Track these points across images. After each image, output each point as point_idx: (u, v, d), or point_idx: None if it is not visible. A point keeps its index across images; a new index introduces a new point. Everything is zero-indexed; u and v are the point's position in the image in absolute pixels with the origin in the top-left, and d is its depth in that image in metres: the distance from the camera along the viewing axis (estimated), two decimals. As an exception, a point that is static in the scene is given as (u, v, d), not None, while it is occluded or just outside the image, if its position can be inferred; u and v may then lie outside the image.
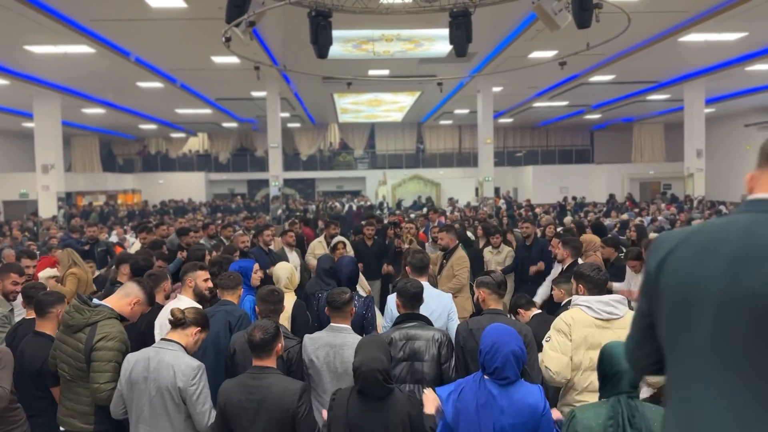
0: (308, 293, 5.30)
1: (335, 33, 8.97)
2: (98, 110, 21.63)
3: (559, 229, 9.41)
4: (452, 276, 6.46)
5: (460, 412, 2.82)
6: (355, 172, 32.05)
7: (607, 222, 13.07)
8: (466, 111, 25.12)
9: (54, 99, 18.04)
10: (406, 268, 4.86)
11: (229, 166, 32.29)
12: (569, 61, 12.16)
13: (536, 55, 14.41)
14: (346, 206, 23.54)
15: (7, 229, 16.10)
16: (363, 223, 9.02)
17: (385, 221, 11.53)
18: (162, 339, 3.33)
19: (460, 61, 13.50)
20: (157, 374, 3.14)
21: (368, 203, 24.47)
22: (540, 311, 4.86)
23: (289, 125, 29.54)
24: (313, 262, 7.60)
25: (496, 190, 23.92)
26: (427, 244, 8.70)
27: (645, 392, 3.54)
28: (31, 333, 3.88)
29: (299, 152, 32.02)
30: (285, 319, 4.33)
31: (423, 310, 3.98)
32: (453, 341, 3.72)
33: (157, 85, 17.32)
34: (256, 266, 5.10)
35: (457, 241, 6.92)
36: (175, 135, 31.82)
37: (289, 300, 4.54)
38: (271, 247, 7.79)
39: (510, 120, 28.71)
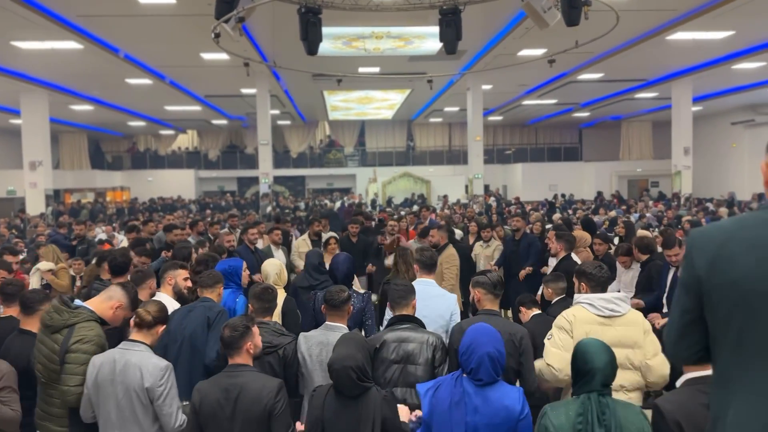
0: (296, 287, 5.29)
1: (325, 30, 8.97)
2: (86, 107, 21.48)
3: (547, 226, 9.48)
4: (441, 273, 6.49)
5: (434, 409, 2.81)
6: (346, 170, 32.04)
7: (595, 219, 13.14)
8: (456, 109, 25.17)
9: (41, 95, 17.90)
10: (415, 265, 4.80)
11: (219, 163, 32.17)
12: (558, 59, 12.23)
13: (525, 52, 14.46)
14: (338, 203, 23.56)
15: (-6, 227, 15.96)
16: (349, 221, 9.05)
17: (375, 219, 11.57)
18: (127, 340, 3.25)
19: (450, 58, 13.51)
20: (123, 376, 3.08)
21: (358, 201, 24.47)
22: (540, 312, 4.87)
23: (279, 122, 29.47)
24: (298, 261, 7.58)
25: (486, 188, 24.01)
26: (413, 241, 8.74)
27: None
28: (16, 331, 3.81)
29: (289, 150, 31.97)
30: (275, 315, 4.32)
31: (427, 309, 3.95)
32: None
33: (145, 81, 17.23)
34: (245, 265, 5.07)
35: (447, 240, 6.96)
36: (164, 132, 31.66)
37: (279, 296, 4.51)
38: (258, 245, 7.79)
39: (499, 118, 28.80)
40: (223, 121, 28.43)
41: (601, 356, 2.58)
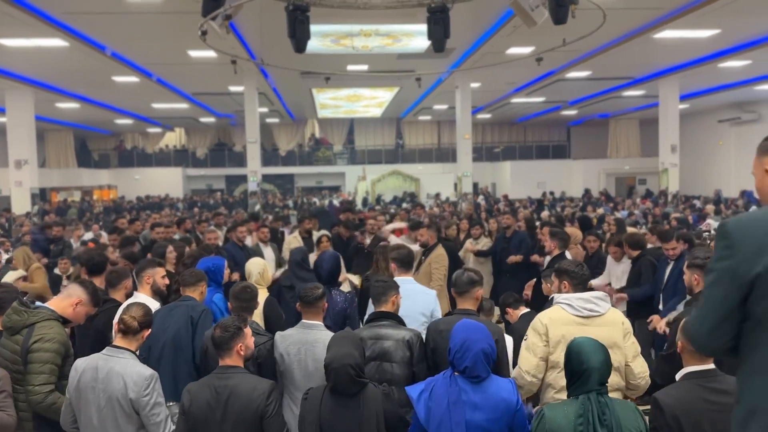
0: (281, 286, 5.27)
1: (313, 27, 8.94)
2: (73, 105, 21.30)
3: (537, 223, 9.53)
4: (429, 273, 6.50)
5: (431, 411, 2.76)
6: (335, 168, 31.99)
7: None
8: (444, 107, 25.20)
9: (27, 93, 17.72)
10: (392, 263, 4.79)
11: (207, 161, 32.01)
12: (546, 58, 12.30)
13: (513, 51, 14.49)
14: (327, 201, 23.56)
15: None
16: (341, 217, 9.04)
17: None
18: (111, 346, 3.16)
19: (439, 56, 13.53)
20: (106, 384, 3.01)
21: (351, 198, 24.47)
22: (528, 310, 4.86)
23: (268, 120, 29.38)
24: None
25: (475, 186, 24.07)
26: (404, 236, 8.75)
27: None
28: None
29: (278, 148, 31.87)
30: (257, 315, 4.26)
31: (407, 307, 3.92)
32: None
33: (132, 79, 17.11)
34: (227, 263, 5.04)
35: (437, 239, 6.97)
36: (151, 130, 31.46)
37: (261, 296, 4.47)
38: (247, 242, 7.77)
39: (488, 116, 28.85)
40: (211, 119, 28.29)
41: (597, 355, 2.56)
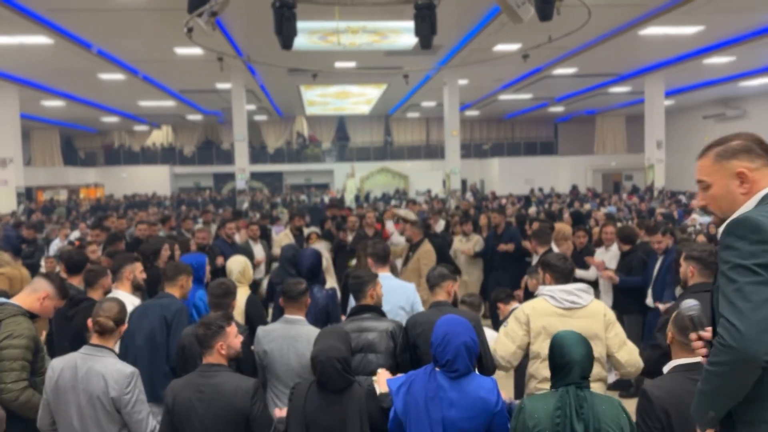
0: (272, 283, 5.28)
1: (300, 24, 8.93)
2: (58, 103, 21.14)
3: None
4: (418, 269, 6.53)
5: (409, 405, 2.75)
6: (323, 165, 31.94)
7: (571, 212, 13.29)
8: (433, 103, 25.24)
9: (11, 91, 17.57)
10: (368, 259, 4.82)
11: (195, 159, 31.86)
12: (533, 54, 12.33)
13: (500, 48, 14.55)
14: (319, 198, 23.63)
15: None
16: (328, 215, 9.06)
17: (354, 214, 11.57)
18: (88, 345, 3.08)
19: (426, 53, 13.57)
20: (86, 383, 2.95)
21: (335, 196, 24.48)
22: (518, 305, 4.91)
23: (256, 118, 29.28)
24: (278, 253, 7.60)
25: (463, 182, 24.14)
26: (395, 233, 8.79)
27: (612, 377, 3.56)
28: None
29: (266, 145, 31.77)
30: (239, 313, 4.26)
31: (386, 301, 3.94)
32: None
33: (118, 76, 17.00)
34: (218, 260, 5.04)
35: (422, 235, 6.99)
36: (138, 128, 31.27)
37: (242, 294, 4.46)
38: (236, 239, 7.77)
39: (476, 112, 28.94)
40: (198, 117, 28.16)
41: (578, 348, 2.57)
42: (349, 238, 7.94)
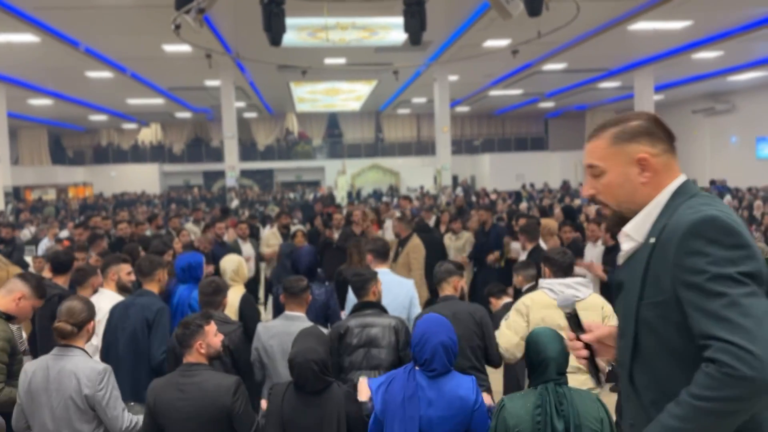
0: (271, 281, 5.28)
1: (289, 20, 8.89)
2: (46, 101, 20.97)
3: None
4: (407, 263, 6.58)
5: (387, 404, 2.76)
6: (314, 162, 31.86)
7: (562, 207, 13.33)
8: (423, 100, 25.21)
9: (-2, 89, 17.42)
10: (368, 255, 4.82)
11: (184, 157, 31.70)
12: (522, 50, 12.35)
13: (490, 43, 14.54)
14: (312, 195, 23.64)
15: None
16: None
17: (344, 211, 11.55)
18: (59, 346, 3.07)
19: (416, 49, 13.53)
20: (58, 384, 2.95)
21: (324, 193, 24.46)
22: (511, 300, 4.93)
23: (246, 115, 29.15)
24: (266, 251, 7.58)
25: (454, 179, 24.13)
26: (383, 229, 8.78)
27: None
28: None
29: (256, 142, 31.66)
30: (233, 312, 4.26)
31: (385, 297, 3.98)
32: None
33: (106, 74, 16.87)
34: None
35: (410, 231, 7.02)
36: (126, 126, 31.06)
37: (237, 293, 4.46)
38: (225, 238, 7.73)
39: (467, 109, 28.94)
40: (187, 114, 28.01)
41: (554, 345, 2.57)
42: (336, 235, 7.94)
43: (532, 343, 2.63)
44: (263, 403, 3.10)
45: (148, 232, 7.85)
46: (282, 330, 3.61)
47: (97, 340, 3.95)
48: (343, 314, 4.66)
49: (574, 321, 1.82)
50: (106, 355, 3.74)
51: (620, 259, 1.68)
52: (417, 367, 2.80)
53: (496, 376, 5.05)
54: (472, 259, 8.04)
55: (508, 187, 24.95)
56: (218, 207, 16.02)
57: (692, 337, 1.42)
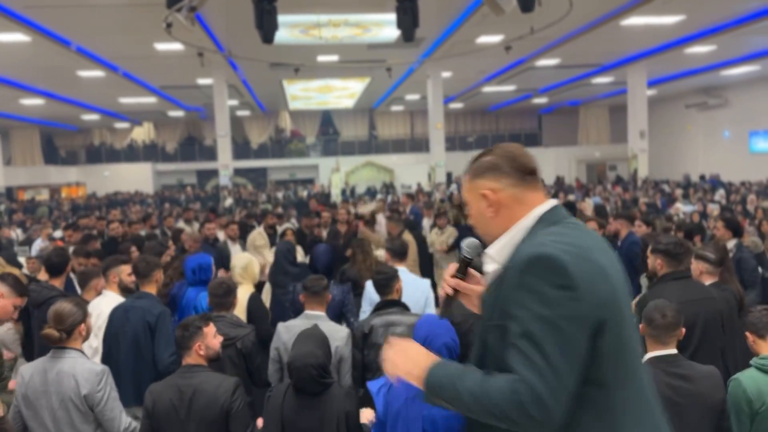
0: (270, 282, 5.25)
1: (281, 18, 8.85)
2: (37, 101, 20.84)
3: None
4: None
5: (389, 406, 2.74)
6: (308, 160, 31.77)
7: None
8: (417, 96, 25.18)
9: (-12, 89, 17.32)
10: (386, 254, 4.82)
11: (177, 156, 31.56)
12: (515, 46, 12.34)
13: (483, 39, 14.51)
14: (306, 193, 23.62)
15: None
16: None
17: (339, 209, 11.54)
18: (55, 348, 3.04)
19: (409, 46, 13.51)
20: (57, 386, 2.94)
21: (325, 191, 24.41)
22: None
23: (239, 113, 29.06)
24: (254, 254, 7.52)
25: (449, 175, 24.14)
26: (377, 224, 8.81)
27: None
28: None
29: (249, 141, 31.56)
30: (241, 311, 4.23)
31: (406, 296, 3.99)
32: None
33: (98, 73, 16.78)
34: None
35: (401, 228, 7.08)
36: (119, 125, 30.92)
37: (245, 292, 4.42)
38: (219, 237, 7.69)
39: (460, 105, 28.93)
40: (180, 113, 27.90)
41: None
42: (324, 233, 7.96)
43: None
44: (259, 422, 3.08)
45: (142, 232, 7.80)
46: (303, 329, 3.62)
47: (96, 342, 3.92)
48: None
49: (464, 266, 1.84)
50: (107, 359, 3.70)
51: (487, 279, 1.74)
52: None
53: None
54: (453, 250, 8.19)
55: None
56: (210, 206, 15.98)
57: None
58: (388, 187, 26.38)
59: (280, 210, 10.81)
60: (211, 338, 3.06)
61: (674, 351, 2.81)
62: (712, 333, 3.42)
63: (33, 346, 4.47)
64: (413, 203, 12.90)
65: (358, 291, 4.83)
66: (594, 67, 19.77)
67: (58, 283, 4.62)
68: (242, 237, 8.00)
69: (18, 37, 12.34)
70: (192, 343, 2.97)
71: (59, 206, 23.20)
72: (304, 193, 23.44)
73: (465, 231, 8.14)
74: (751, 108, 22.80)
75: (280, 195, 23.68)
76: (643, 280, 5.33)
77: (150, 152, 31.58)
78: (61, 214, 19.44)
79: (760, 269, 5.61)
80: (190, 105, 25.42)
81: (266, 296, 5.61)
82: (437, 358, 1.65)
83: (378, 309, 3.77)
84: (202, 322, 3.06)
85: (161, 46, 14.11)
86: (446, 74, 19.14)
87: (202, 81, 18.71)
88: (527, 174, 1.69)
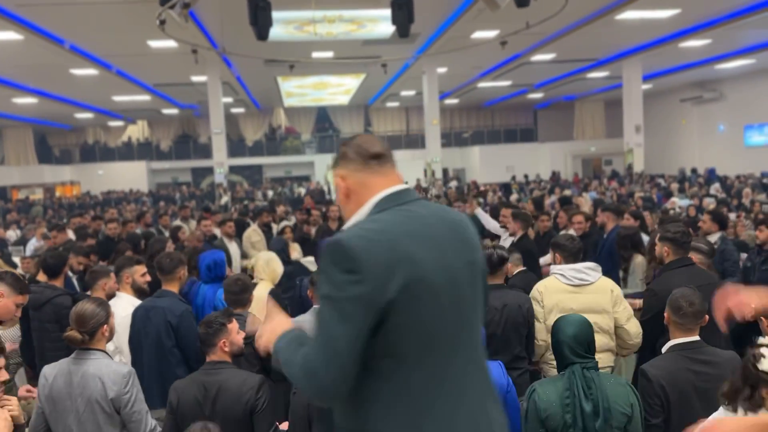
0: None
1: (275, 14, 8.81)
2: (30, 100, 20.72)
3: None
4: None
5: None
6: (303, 157, 31.71)
7: (551, 199, 13.34)
8: (412, 92, 25.14)
9: (-19, 89, 17.21)
10: None
11: (172, 154, 31.44)
12: (511, 41, 12.31)
13: (478, 35, 14.48)
14: (303, 190, 23.57)
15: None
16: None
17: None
18: (79, 349, 3.00)
19: (404, 42, 13.47)
20: (82, 388, 2.91)
21: (318, 188, 24.36)
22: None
23: (233, 110, 28.96)
24: (251, 251, 7.50)
25: (445, 171, 24.13)
26: None
27: None
28: None
29: (245, 138, 31.48)
30: (259, 309, 4.21)
31: None
32: None
33: (91, 72, 16.69)
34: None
35: None
36: (113, 123, 30.79)
37: (264, 288, 4.39)
38: (217, 234, 7.65)
39: (456, 101, 28.90)
40: (174, 111, 27.80)
41: (568, 329, 2.70)
42: (313, 231, 7.95)
43: (553, 327, 2.80)
44: (284, 426, 3.06)
45: (138, 231, 7.75)
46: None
47: (113, 345, 3.84)
48: None
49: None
50: (132, 362, 3.71)
51: None
52: None
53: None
54: None
55: (499, 179, 24.96)
56: (208, 204, 15.94)
57: None
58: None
59: (282, 208, 10.74)
60: (235, 334, 3.09)
61: (697, 338, 2.89)
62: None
63: (32, 349, 4.42)
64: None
65: None
66: (589, 61, 19.76)
67: (58, 283, 4.58)
68: (238, 234, 7.96)
69: (10, 35, 12.25)
70: (216, 340, 2.99)
71: (53, 205, 23.11)
72: (302, 190, 23.37)
73: None
74: (746, 102, 22.84)
75: (270, 192, 23.58)
76: (622, 274, 5.50)
77: (144, 150, 31.47)
78: (56, 214, 19.37)
79: (745, 255, 6.05)
80: (184, 102, 25.32)
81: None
82: (293, 328, 1.83)
83: None
84: (225, 318, 3.08)
85: (155, 44, 14.04)
86: (441, 70, 19.10)
87: (197, 78, 18.61)
88: (370, 158, 1.79)
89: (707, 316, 2.89)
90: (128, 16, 11.76)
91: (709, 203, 10.73)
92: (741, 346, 2.90)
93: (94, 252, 6.06)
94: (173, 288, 3.99)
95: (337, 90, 25.51)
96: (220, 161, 17.94)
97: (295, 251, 7.04)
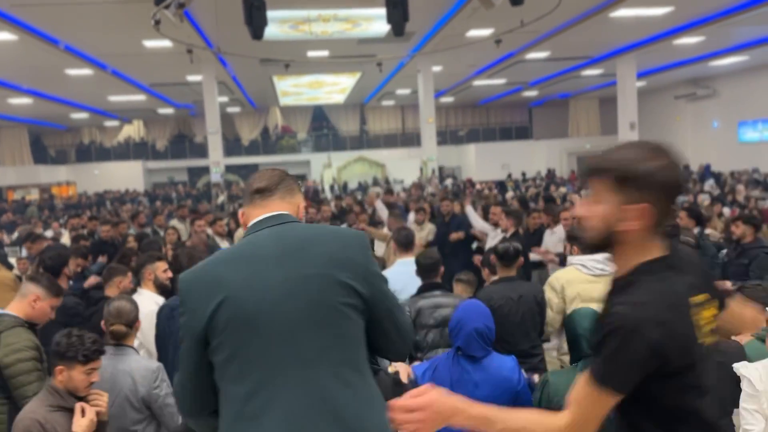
0: None
1: (270, 13, 8.83)
2: (25, 100, 20.68)
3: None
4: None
5: None
6: (299, 156, 31.70)
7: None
8: (407, 91, 25.16)
9: (-25, 89, 17.16)
10: (393, 245, 4.89)
11: (168, 153, 31.40)
12: (505, 39, 12.35)
13: (473, 33, 14.52)
14: (302, 188, 23.48)
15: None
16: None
17: (332, 205, 11.54)
18: (110, 345, 3.06)
19: (399, 40, 13.49)
20: (113, 384, 2.96)
21: (314, 187, 24.37)
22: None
23: (229, 110, 28.93)
24: None
25: (440, 169, 24.17)
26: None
27: None
28: None
29: (240, 137, 31.45)
30: None
31: (412, 286, 4.08)
32: None
33: (86, 72, 16.67)
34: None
35: (400, 224, 7.10)
36: (108, 123, 30.72)
37: None
38: (209, 233, 7.65)
39: (451, 99, 28.94)
40: (170, 110, 27.76)
41: (584, 322, 2.70)
42: None
43: (568, 321, 2.81)
44: None
45: (131, 231, 7.75)
46: None
47: (141, 337, 3.87)
48: None
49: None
50: (159, 360, 3.72)
51: None
52: (459, 353, 2.90)
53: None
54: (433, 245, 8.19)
55: (494, 177, 25.01)
56: (205, 203, 15.94)
57: None
58: (380, 181, 26.35)
59: None
60: None
61: None
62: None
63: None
64: (395, 199, 12.87)
65: None
66: (583, 59, 19.81)
67: (62, 282, 4.60)
68: (229, 234, 7.97)
69: (5, 36, 12.23)
70: None
71: (49, 205, 23.06)
72: (303, 189, 23.36)
73: (443, 227, 8.22)
74: (740, 98, 22.93)
75: None
76: None
77: (140, 150, 31.41)
78: (51, 214, 19.34)
79: (724, 252, 6.20)
80: (179, 102, 25.29)
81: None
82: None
83: (422, 291, 3.93)
84: None
85: (150, 44, 14.03)
86: (437, 68, 19.13)
87: (192, 78, 18.60)
88: (254, 193, 1.90)
89: None
90: (123, 16, 11.75)
91: (704, 200, 10.78)
92: None
93: (89, 253, 6.07)
94: None
95: (333, 89, 25.52)
96: (216, 161, 17.93)
97: None
